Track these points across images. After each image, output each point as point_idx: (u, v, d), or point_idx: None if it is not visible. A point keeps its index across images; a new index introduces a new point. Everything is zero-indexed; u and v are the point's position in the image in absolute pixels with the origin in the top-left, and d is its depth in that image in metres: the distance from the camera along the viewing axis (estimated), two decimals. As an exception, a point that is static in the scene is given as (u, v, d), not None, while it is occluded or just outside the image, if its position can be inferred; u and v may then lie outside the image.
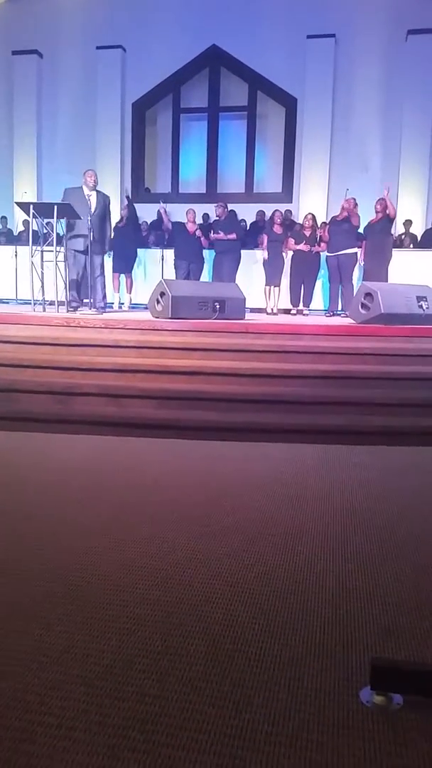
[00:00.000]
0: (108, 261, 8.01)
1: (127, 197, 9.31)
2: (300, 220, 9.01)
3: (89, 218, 6.44)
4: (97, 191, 6.73)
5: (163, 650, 1.41)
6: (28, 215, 6.59)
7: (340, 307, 7.92)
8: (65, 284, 6.59)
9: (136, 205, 10.49)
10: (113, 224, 6.94)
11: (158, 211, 9.47)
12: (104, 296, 7.12)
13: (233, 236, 8.22)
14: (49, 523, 2.17)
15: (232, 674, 1.32)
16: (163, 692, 1.26)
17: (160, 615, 1.56)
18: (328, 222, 8.58)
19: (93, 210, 6.58)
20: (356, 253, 7.77)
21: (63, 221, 6.48)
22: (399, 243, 9.32)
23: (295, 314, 8.53)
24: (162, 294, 6.10)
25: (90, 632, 1.47)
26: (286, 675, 1.33)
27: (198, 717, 1.19)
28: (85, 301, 7.08)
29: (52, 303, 6.64)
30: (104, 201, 6.77)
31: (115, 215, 8.93)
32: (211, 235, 8.40)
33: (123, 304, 9.16)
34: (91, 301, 6.86)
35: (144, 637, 1.46)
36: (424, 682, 1.22)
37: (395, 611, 1.62)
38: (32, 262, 6.60)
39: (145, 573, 1.80)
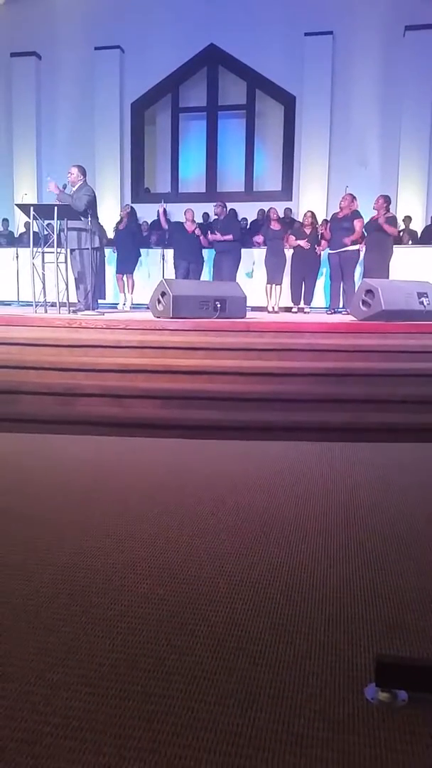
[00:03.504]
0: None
1: (128, 205, 9.38)
2: (300, 218, 9.01)
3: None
4: (85, 184, 6.62)
5: (167, 649, 1.41)
6: (29, 217, 6.60)
7: (341, 305, 7.92)
8: (66, 285, 6.57)
9: (136, 205, 10.50)
10: (101, 221, 6.66)
11: (157, 211, 9.50)
12: (87, 292, 6.68)
13: (230, 237, 8.21)
14: (53, 524, 2.18)
15: (236, 673, 1.32)
16: (168, 691, 1.26)
17: (165, 614, 1.56)
18: (329, 219, 8.58)
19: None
20: (358, 250, 7.76)
21: (61, 222, 6.46)
22: (399, 239, 9.31)
23: (296, 312, 8.53)
24: (163, 294, 6.10)
25: (94, 632, 1.48)
26: (291, 673, 1.33)
27: (203, 716, 1.19)
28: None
29: (53, 304, 6.64)
30: (79, 193, 6.50)
31: (113, 215, 8.98)
32: (209, 236, 8.40)
33: (124, 304, 9.17)
34: (77, 300, 6.70)
35: (148, 636, 1.46)
36: (429, 679, 1.22)
37: (399, 608, 1.62)
38: (33, 264, 6.60)
39: (149, 572, 1.80)
